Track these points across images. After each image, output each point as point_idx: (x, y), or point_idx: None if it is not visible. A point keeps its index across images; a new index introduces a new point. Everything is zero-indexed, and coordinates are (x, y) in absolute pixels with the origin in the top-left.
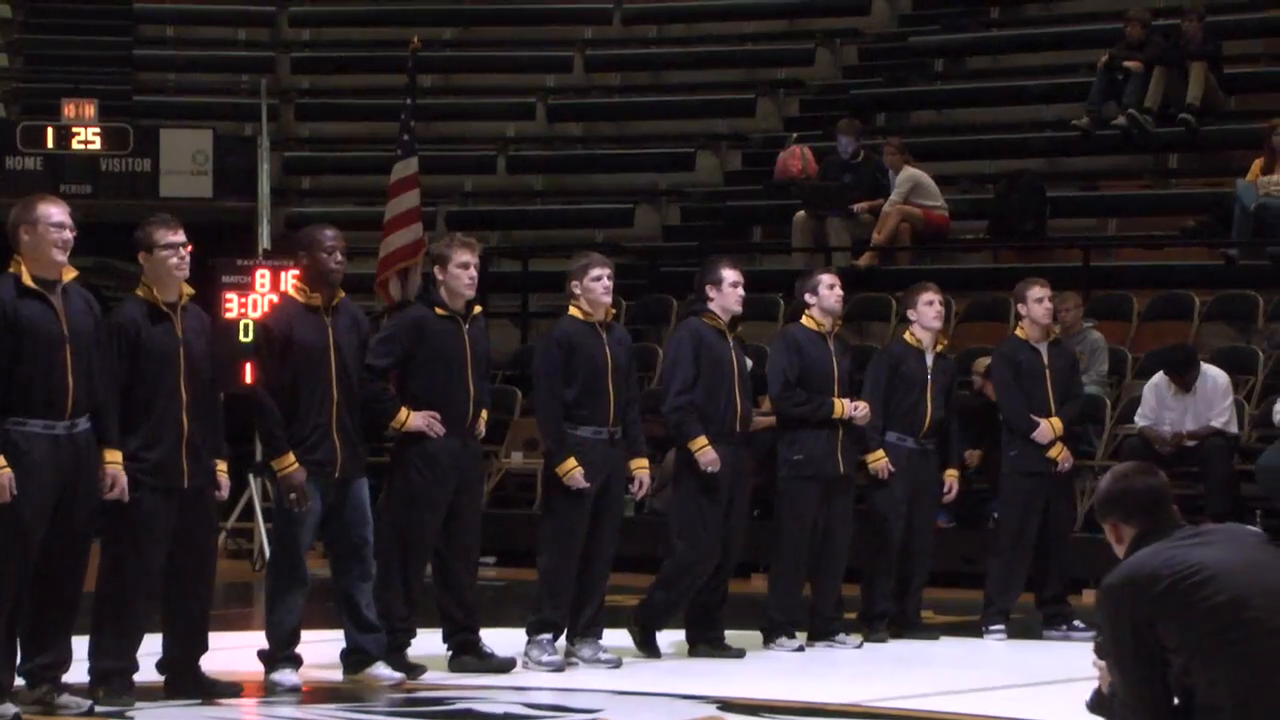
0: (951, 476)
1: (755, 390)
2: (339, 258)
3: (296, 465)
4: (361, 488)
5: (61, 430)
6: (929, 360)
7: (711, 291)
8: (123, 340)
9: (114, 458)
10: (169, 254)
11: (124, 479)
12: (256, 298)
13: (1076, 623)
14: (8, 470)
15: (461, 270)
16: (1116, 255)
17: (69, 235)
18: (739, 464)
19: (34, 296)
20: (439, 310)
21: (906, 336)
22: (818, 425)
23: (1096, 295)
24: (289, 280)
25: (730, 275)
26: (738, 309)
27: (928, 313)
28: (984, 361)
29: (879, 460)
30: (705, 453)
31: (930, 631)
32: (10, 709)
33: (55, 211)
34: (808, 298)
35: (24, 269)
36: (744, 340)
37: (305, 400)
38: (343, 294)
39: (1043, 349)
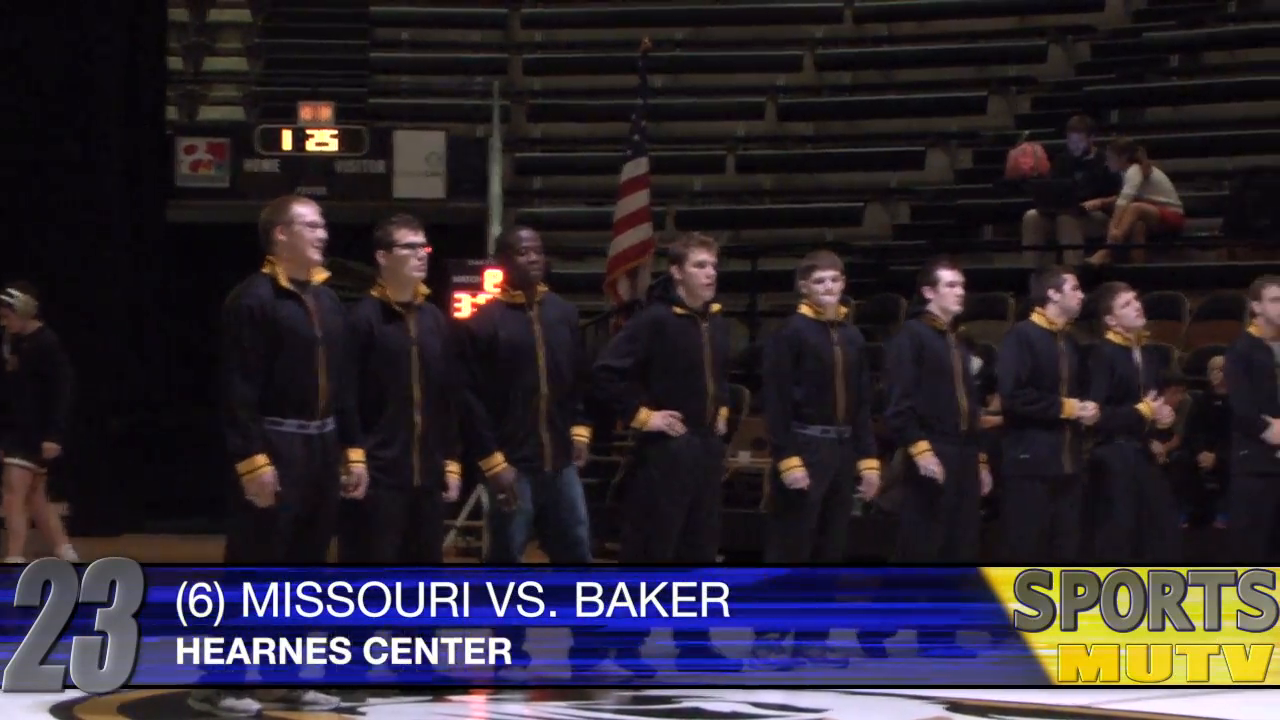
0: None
1: (984, 389)
2: (532, 257)
3: (505, 465)
4: (574, 484)
5: (314, 430)
6: (1137, 357)
7: (929, 293)
8: (356, 339)
9: (357, 456)
10: (409, 254)
11: (366, 478)
12: (487, 298)
13: None
14: (270, 469)
15: (698, 269)
16: None
17: (323, 234)
18: (967, 463)
19: (288, 297)
20: (678, 309)
21: (1111, 336)
22: (1046, 425)
23: None
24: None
25: (947, 275)
26: (957, 309)
27: (1128, 314)
28: (1220, 360)
29: None
30: (926, 458)
31: None
32: (252, 705)
33: (308, 211)
34: (1051, 293)
35: (279, 270)
36: (971, 339)
37: (513, 398)
38: (544, 288)
39: (1276, 348)
